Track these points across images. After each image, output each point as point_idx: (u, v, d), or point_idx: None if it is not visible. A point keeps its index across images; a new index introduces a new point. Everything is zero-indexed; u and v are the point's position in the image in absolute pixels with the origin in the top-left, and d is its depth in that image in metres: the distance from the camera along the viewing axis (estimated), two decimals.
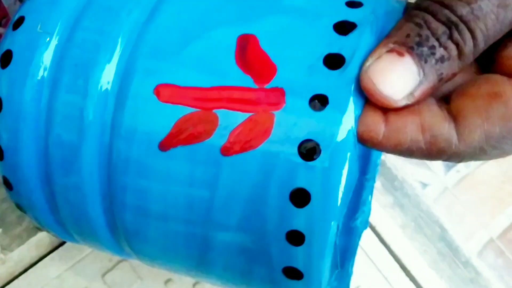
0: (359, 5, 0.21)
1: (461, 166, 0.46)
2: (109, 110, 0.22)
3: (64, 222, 0.25)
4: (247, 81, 0.20)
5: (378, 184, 0.44)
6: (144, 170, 0.21)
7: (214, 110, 0.20)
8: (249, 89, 0.20)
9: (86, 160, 0.22)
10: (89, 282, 0.38)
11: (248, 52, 0.20)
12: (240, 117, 0.20)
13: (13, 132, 0.23)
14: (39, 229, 0.29)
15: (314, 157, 0.19)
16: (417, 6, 0.19)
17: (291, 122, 0.19)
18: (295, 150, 0.19)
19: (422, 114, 0.19)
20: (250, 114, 0.20)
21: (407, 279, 0.41)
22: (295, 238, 0.20)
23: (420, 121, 0.19)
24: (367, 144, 0.20)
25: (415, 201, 0.44)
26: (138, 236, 0.24)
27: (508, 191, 0.46)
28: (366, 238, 0.41)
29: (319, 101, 0.19)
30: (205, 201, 0.21)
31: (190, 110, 0.20)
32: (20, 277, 0.38)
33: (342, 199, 0.19)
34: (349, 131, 0.19)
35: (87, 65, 0.22)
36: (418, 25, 0.19)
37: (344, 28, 0.20)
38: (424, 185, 0.45)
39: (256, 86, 0.20)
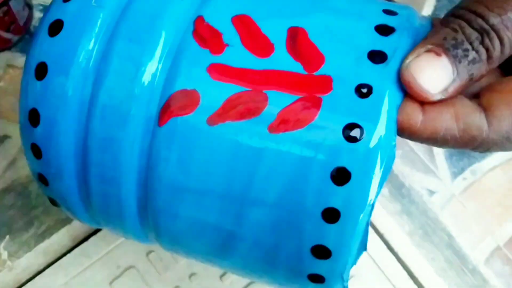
0: (395, 13, 0.23)
1: (467, 173, 0.46)
2: (161, 77, 0.22)
3: (90, 197, 0.25)
4: (297, 67, 0.22)
5: (385, 191, 0.44)
6: (189, 144, 0.22)
7: (264, 91, 0.21)
8: (299, 74, 0.21)
9: (129, 127, 0.23)
10: None
11: (298, 42, 0.22)
12: (289, 98, 0.21)
13: (56, 97, 0.24)
14: (54, 204, 0.28)
15: (357, 139, 0.20)
16: (452, 14, 0.22)
17: (338, 106, 0.21)
18: (340, 132, 0.21)
19: (456, 105, 0.22)
20: (299, 96, 0.21)
21: (415, 286, 0.41)
22: (331, 215, 0.21)
23: (454, 111, 0.21)
24: (405, 132, 0.22)
25: (422, 208, 0.44)
26: (167, 214, 0.24)
27: None
28: (374, 246, 0.41)
29: (364, 89, 0.21)
30: (246, 176, 0.22)
31: (241, 89, 0.22)
32: (28, 284, 0.38)
33: (380, 180, 0.21)
34: (390, 118, 0.21)
35: (141, 39, 0.23)
36: (454, 30, 0.21)
37: (384, 30, 0.22)
38: (431, 192, 0.45)
39: (306, 73, 0.21)
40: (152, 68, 0.22)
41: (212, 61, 0.22)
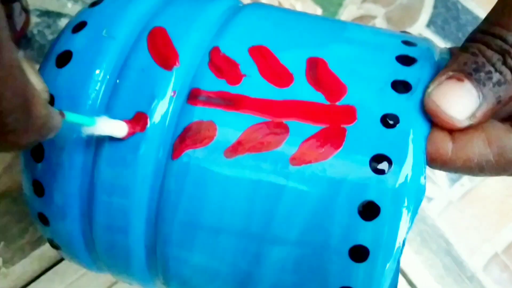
0: (414, 44, 0.23)
1: (465, 180, 0.46)
2: (176, 108, 0.21)
3: (94, 240, 0.24)
4: (318, 97, 0.21)
5: None
6: (204, 177, 0.21)
7: (285, 121, 0.20)
8: (321, 104, 0.21)
9: (138, 167, 0.21)
10: None
11: (318, 72, 0.21)
12: (312, 129, 0.20)
13: (62, 131, 0.22)
14: (53, 246, 0.26)
15: (386, 171, 0.19)
16: (470, 39, 0.21)
17: (363, 137, 0.20)
18: (367, 163, 0.20)
19: (486, 129, 0.21)
20: (322, 127, 0.20)
21: None
22: (359, 253, 0.20)
23: (486, 135, 0.20)
24: (437, 162, 0.20)
25: (420, 215, 0.44)
26: (178, 259, 0.22)
27: None
28: None
29: (391, 119, 0.20)
30: (267, 211, 0.20)
31: (260, 119, 0.21)
32: None
33: (411, 213, 0.19)
34: (418, 148, 0.20)
35: (153, 69, 0.22)
36: (474, 54, 0.20)
37: (406, 60, 0.22)
38: (429, 199, 0.45)
39: (328, 103, 0.21)
40: (165, 99, 0.21)
41: (230, 92, 0.21)
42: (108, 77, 0.22)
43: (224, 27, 0.23)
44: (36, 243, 0.39)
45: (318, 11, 0.52)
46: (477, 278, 0.43)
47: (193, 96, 0.21)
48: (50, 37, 0.45)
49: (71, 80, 0.23)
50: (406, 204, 0.19)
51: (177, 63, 0.22)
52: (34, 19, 0.46)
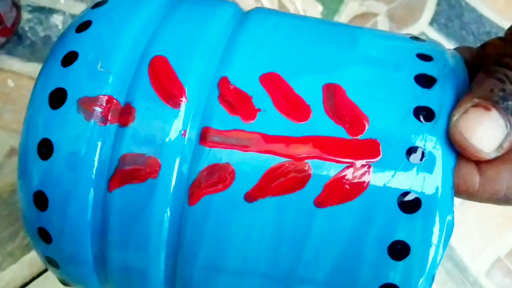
0: (430, 58, 0.22)
1: None
2: (188, 150, 0.20)
3: (110, 282, 0.23)
4: (339, 131, 0.20)
5: None
6: (225, 223, 0.20)
7: (306, 160, 0.19)
8: (343, 140, 0.20)
9: (156, 206, 0.20)
10: None
11: (336, 102, 0.20)
12: (335, 167, 0.19)
13: (66, 180, 0.21)
14: (65, 285, 0.25)
15: (415, 209, 0.19)
16: (496, 62, 0.20)
17: (389, 174, 0.19)
18: (395, 202, 0.19)
19: None
20: (346, 165, 0.19)
21: None
22: None
23: None
24: (463, 196, 0.20)
25: None
26: None
27: None
28: None
29: (416, 153, 0.19)
30: (293, 255, 0.20)
31: (280, 159, 0.20)
32: None
33: (442, 249, 0.19)
34: (446, 182, 0.19)
35: (159, 107, 0.20)
36: (501, 80, 0.20)
37: (425, 81, 0.21)
38: None
39: (350, 137, 0.20)
40: (176, 141, 0.20)
41: (245, 130, 0.20)
42: (109, 117, 0.20)
43: (229, 50, 0.22)
44: (26, 248, 0.38)
45: (319, 8, 0.51)
46: (479, 283, 0.42)
47: (205, 136, 0.20)
48: (42, 34, 0.44)
49: (69, 124, 0.20)
50: (435, 241, 0.19)
51: (184, 99, 0.20)
52: (25, 15, 0.45)
